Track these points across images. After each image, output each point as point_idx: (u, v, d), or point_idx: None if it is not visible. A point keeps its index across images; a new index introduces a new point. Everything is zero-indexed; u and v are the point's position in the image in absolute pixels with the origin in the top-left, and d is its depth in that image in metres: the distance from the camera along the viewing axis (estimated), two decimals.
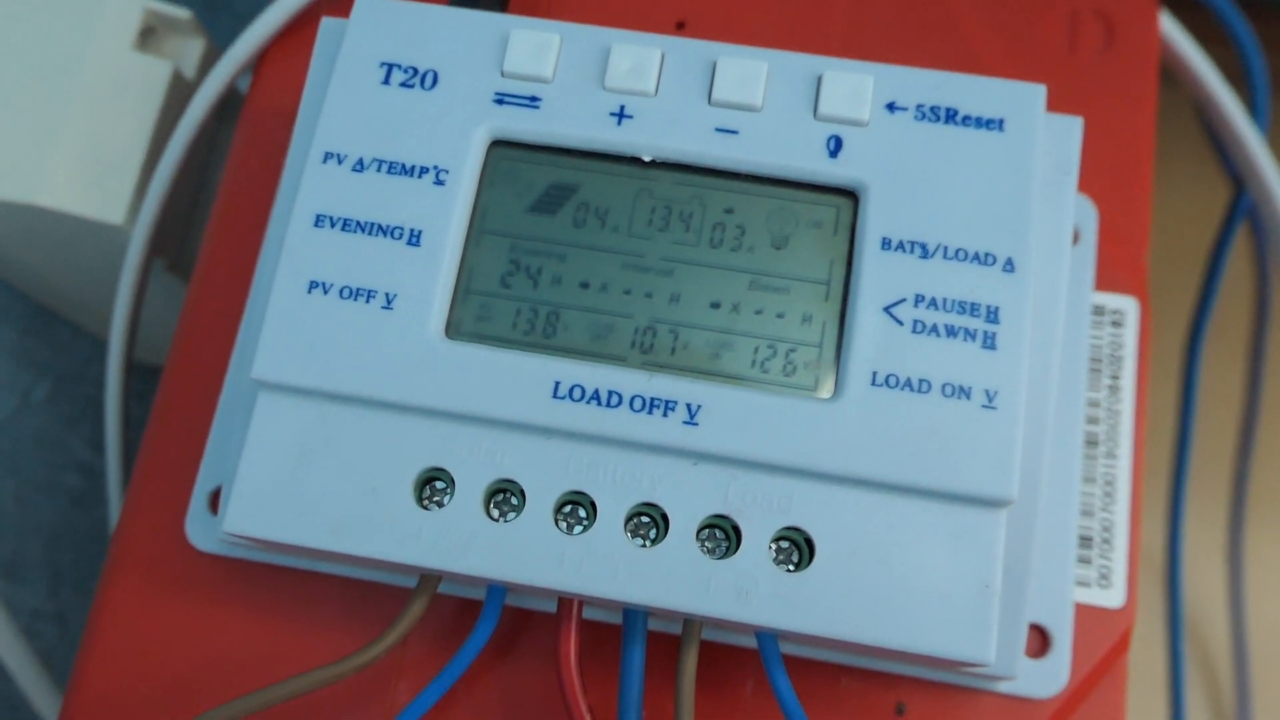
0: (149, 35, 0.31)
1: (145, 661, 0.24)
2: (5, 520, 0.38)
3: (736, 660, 0.23)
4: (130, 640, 0.24)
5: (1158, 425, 0.36)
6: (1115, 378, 0.25)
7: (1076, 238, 0.25)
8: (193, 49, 0.31)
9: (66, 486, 0.39)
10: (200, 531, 0.24)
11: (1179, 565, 0.36)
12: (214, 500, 0.24)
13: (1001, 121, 0.22)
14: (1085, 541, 0.24)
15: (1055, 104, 0.26)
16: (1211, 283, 0.33)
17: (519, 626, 0.23)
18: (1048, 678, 0.23)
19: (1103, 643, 0.23)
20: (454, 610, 0.24)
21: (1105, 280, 0.26)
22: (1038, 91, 0.22)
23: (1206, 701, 0.39)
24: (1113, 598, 0.24)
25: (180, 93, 0.30)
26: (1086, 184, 0.26)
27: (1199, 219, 0.35)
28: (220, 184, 0.27)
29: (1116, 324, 0.26)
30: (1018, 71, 0.27)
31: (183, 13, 0.31)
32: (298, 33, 0.28)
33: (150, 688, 0.23)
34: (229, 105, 0.31)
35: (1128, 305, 0.26)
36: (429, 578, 0.21)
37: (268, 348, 0.21)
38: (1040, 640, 0.23)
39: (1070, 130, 0.23)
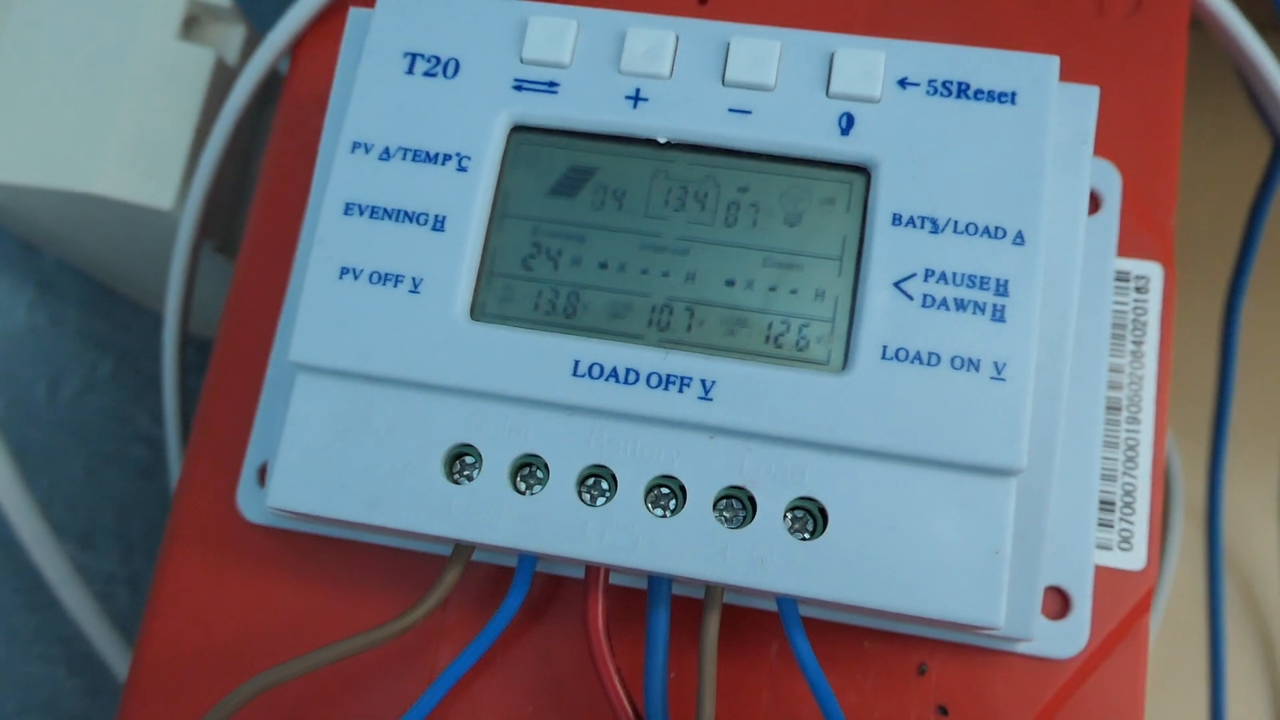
0: (192, 24, 0.32)
1: (203, 625, 0.25)
2: (78, 492, 0.40)
3: (761, 624, 0.24)
4: (189, 606, 0.25)
5: (1205, 387, 0.36)
6: (1139, 344, 0.25)
7: (1099, 204, 0.25)
8: (234, 36, 0.32)
9: (134, 458, 0.41)
10: (251, 504, 0.25)
11: (1219, 523, 0.36)
12: (263, 474, 0.25)
13: (1014, 94, 0.22)
14: (1106, 506, 0.24)
15: (1082, 68, 0.26)
16: (1250, 241, 0.33)
17: (551, 591, 0.25)
18: (1067, 639, 0.23)
19: (1123, 604, 0.24)
20: (490, 576, 0.25)
21: (1130, 246, 0.26)
22: (1050, 63, 0.22)
23: (1260, 655, 0.39)
24: (1134, 560, 0.24)
25: (223, 79, 0.31)
26: (1111, 149, 0.25)
27: (1241, 177, 0.35)
28: (261, 168, 0.28)
29: (1141, 290, 0.26)
30: (1044, 36, 0.27)
31: (223, 0, 0.32)
32: (333, 18, 0.29)
33: (208, 649, 0.25)
34: (271, 89, 0.32)
35: (1152, 270, 0.26)
36: (462, 547, 0.22)
37: (304, 332, 0.22)
38: (1060, 602, 0.23)
39: (1086, 100, 0.23)
